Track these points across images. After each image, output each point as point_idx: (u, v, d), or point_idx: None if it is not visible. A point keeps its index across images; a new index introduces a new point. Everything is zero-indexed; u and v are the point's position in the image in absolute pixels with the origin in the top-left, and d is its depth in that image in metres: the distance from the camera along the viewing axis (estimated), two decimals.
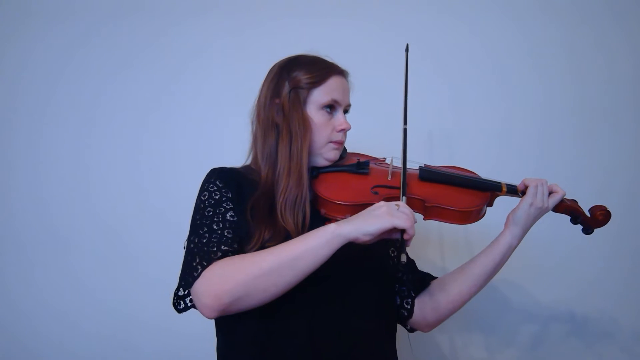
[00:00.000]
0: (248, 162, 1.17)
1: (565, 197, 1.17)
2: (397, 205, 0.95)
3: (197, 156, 1.68)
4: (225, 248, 0.97)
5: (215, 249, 0.97)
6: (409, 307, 1.18)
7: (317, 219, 1.08)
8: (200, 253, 0.97)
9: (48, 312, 1.68)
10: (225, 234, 1.00)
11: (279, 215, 1.04)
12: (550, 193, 1.14)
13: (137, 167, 1.72)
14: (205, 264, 0.95)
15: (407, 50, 1.21)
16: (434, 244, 1.70)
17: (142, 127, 1.73)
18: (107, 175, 1.71)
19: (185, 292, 1.00)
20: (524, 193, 1.15)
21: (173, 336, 1.63)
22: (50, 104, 1.74)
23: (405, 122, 1.13)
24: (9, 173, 1.72)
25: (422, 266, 1.26)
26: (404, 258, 0.92)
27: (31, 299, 1.69)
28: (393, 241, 1.03)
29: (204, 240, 0.98)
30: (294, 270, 0.93)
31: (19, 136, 1.73)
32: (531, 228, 1.16)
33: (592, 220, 1.18)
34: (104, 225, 1.70)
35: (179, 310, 1.02)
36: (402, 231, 0.92)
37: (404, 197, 1.03)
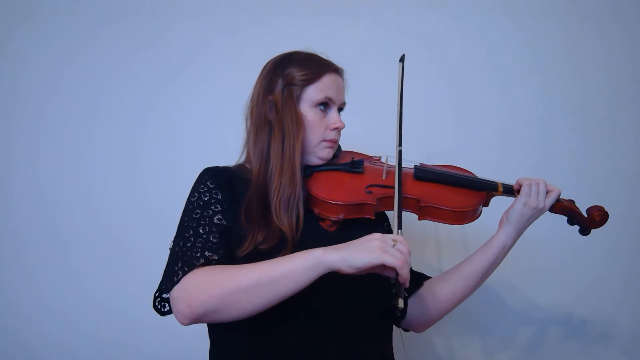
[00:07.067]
0: (241, 160, 1.16)
1: (561, 197, 1.15)
2: (394, 241, 0.87)
3: (197, 156, 1.66)
4: (209, 254, 0.95)
5: (198, 254, 0.95)
6: (402, 307, 1.16)
7: (311, 219, 1.07)
8: (183, 257, 0.95)
9: (48, 312, 1.67)
10: (211, 238, 0.98)
11: (274, 215, 1.03)
12: (546, 192, 1.12)
13: (137, 166, 1.71)
14: (186, 269, 0.93)
15: (402, 60, 1.16)
16: (431, 245, 1.69)
17: (142, 126, 1.72)
18: (107, 175, 1.71)
19: (167, 296, 0.98)
20: (519, 193, 1.13)
21: (173, 336, 1.61)
22: (50, 103, 1.73)
23: (400, 144, 1.10)
24: (9, 172, 1.71)
25: (418, 267, 1.24)
26: (400, 304, 0.84)
27: (31, 298, 1.68)
28: (386, 279, 0.94)
29: (188, 244, 0.97)
30: (271, 292, 0.89)
31: (19, 135, 1.72)
32: (529, 229, 1.14)
33: (589, 220, 1.17)
34: (104, 225, 1.69)
35: (162, 313, 1.00)
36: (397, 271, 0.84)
37: (399, 231, 0.95)
